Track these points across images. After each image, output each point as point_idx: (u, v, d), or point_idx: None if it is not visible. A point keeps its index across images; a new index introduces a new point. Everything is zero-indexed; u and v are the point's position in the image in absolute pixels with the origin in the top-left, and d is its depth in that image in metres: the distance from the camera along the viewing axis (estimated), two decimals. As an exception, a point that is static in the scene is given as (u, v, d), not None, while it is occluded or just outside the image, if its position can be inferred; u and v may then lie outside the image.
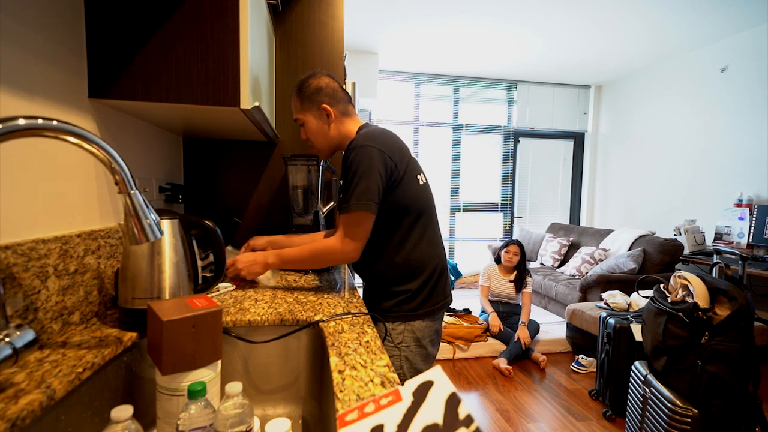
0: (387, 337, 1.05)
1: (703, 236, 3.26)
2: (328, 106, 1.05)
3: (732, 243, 3.10)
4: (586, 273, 3.39)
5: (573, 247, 4.07)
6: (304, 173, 1.50)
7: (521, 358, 2.70)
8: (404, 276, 1.05)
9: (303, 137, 1.12)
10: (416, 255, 1.05)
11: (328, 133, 1.08)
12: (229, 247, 1.35)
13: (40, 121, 0.48)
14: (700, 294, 1.47)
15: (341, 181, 1.03)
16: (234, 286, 1.11)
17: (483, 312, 3.00)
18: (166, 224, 0.79)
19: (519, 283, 2.88)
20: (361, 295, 1.11)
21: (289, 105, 1.57)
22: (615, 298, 2.58)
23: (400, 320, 1.05)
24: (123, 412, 0.49)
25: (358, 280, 1.25)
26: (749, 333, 1.40)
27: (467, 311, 3.07)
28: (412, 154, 1.10)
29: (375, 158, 0.96)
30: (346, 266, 1.59)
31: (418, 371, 1.04)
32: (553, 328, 3.08)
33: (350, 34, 3.48)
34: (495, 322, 2.79)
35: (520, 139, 4.88)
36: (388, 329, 1.05)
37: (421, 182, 1.08)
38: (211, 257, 0.96)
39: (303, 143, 1.60)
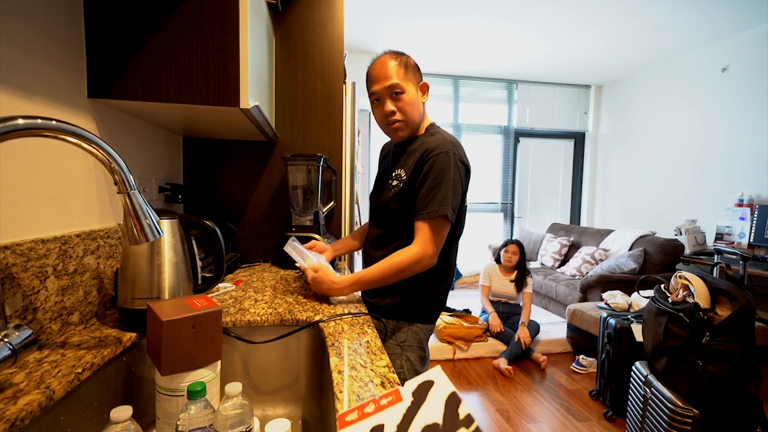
0: (391, 336, 1.05)
1: (704, 236, 3.26)
2: (426, 84, 1.09)
3: (733, 243, 3.10)
4: (587, 273, 3.38)
5: (573, 247, 4.06)
6: (304, 173, 1.50)
7: (521, 358, 2.70)
8: (426, 278, 1.04)
9: (388, 109, 1.02)
10: (449, 262, 1.09)
11: (421, 109, 1.09)
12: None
13: (39, 121, 0.48)
14: (700, 294, 1.47)
15: (418, 182, 1.00)
16: (234, 286, 1.10)
17: (483, 312, 3.00)
18: (166, 224, 0.79)
19: (519, 283, 2.88)
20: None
21: (290, 105, 1.57)
22: (615, 298, 2.58)
23: (406, 319, 1.06)
24: (122, 412, 0.49)
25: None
26: (750, 333, 1.40)
27: (467, 311, 3.07)
28: None
29: (462, 173, 1.01)
30: (346, 265, 1.59)
31: (416, 372, 1.04)
32: (553, 328, 3.07)
33: (350, 34, 3.48)
34: (495, 322, 2.79)
35: (520, 138, 4.87)
36: (388, 328, 1.04)
37: (467, 201, 1.11)
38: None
39: (302, 143, 1.59)
